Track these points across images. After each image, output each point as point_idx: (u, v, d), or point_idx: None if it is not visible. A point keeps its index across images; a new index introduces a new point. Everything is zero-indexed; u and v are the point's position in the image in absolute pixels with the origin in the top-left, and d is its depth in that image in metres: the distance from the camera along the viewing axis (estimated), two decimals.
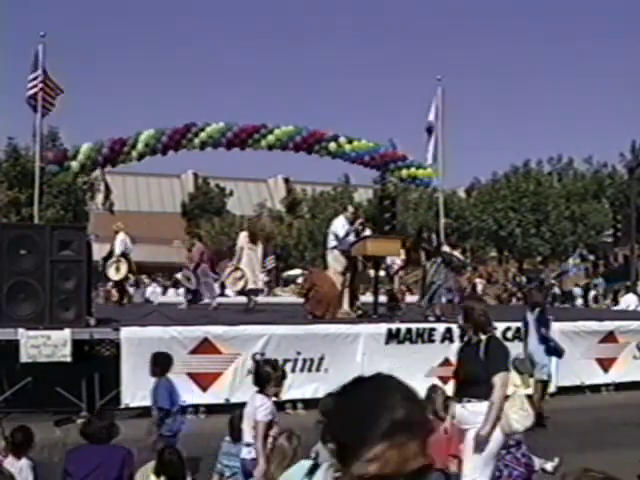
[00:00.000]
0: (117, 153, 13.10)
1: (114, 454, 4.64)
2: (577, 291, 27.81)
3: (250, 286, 12.79)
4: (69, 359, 8.38)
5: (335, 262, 11.73)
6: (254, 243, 13.04)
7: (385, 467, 1.21)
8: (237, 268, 12.74)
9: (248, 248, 12.83)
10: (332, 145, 14.03)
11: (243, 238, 13.05)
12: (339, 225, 11.77)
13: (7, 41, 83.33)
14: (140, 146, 13.11)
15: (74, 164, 12.93)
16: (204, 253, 14.00)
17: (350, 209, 12.54)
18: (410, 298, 16.69)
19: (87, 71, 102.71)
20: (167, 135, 13.30)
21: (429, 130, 15.19)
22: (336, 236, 11.61)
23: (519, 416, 4.78)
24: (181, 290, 26.26)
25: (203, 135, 13.47)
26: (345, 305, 11.69)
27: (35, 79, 12.51)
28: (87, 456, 4.70)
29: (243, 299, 13.59)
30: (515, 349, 10.60)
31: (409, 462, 1.22)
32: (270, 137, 13.78)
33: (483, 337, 4.89)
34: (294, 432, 4.58)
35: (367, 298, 13.43)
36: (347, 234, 11.52)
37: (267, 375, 5.18)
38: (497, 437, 4.77)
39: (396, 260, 13.97)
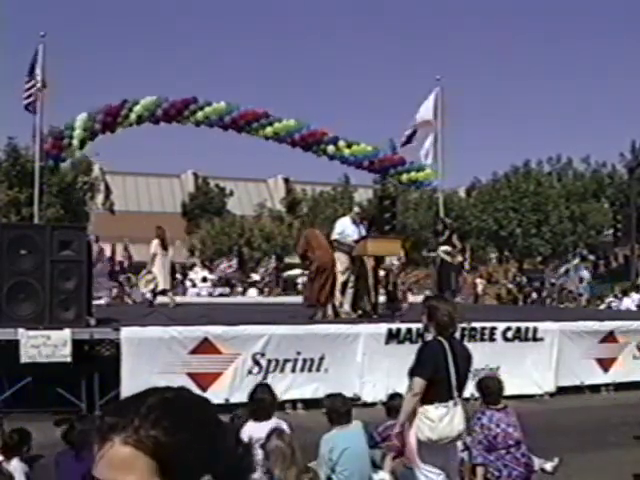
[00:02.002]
0: (109, 125, 12.90)
1: None
2: (586, 275, 27.62)
3: (164, 287, 14.30)
4: (69, 359, 8.39)
5: (336, 262, 11.72)
6: (165, 249, 14.28)
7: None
8: (149, 272, 14.19)
9: (160, 254, 13.99)
10: (330, 147, 13.90)
11: (156, 245, 14.06)
12: (338, 225, 11.79)
13: (7, 41, 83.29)
14: (133, 117, 12.85)
15: (74, 141, 12.74)
16: (101, 253, 15.38)
17: (356, 209, 12.62)
18: (412, 298, 16.65)
19: (87, 71, 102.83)
20: (163, 108, 13.00)
21: (414, 132, 15.33)
22: (338, 235, 11.65)
23: (423, 425, 4.59)
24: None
25: (200, 115, 13.17)
26: (346, 305, 11.68)
27: (32, 84, 12.57)
28: (76, 465, 4.65)
29: (238, 299, 13.78)
30: (515, 349, 10.64)
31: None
32: (269, 129, 13.62)
33: (430, 337, 4.84)
34: (281, 429, 4.58)
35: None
36: (346, 234, 11.52)
37: (272, 401, 5.30)
38: (411, 442, 4.69)
39: (394, 261, 13.95)
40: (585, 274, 27.08)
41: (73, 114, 13.16)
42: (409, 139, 15.44)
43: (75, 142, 12.70)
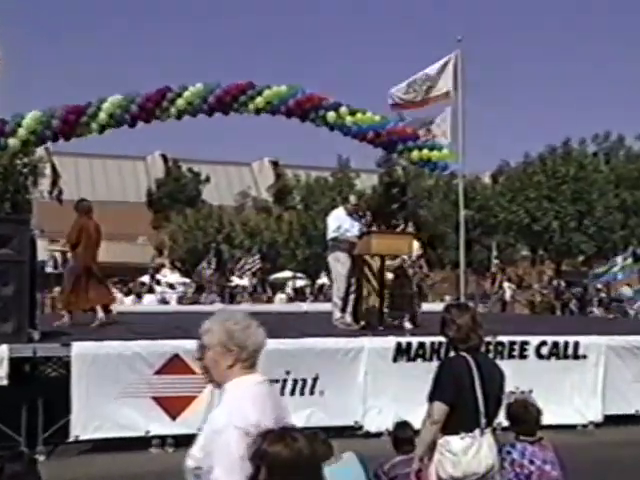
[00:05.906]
0: (72, 124, 12.91)
1: None
2: (627, 292, 27.81)
3: None
4: (5, 382, 8.33)
5: (336, 263, 11.67)
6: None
7: None
8: None
9: None
10: (331, 114, 13.90)
11: None
12: (332, 220, 11.74)
13: None
14: (103, 116, 12.92)
15: (12, 141, 12.72)
16: None
17: (352, 199, 12.57)
18: (427, 306, 16.59)
19: (52, 48, 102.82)
20: (137, 104, 13.13)
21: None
22: (335, 232, 11.62)
23: (444, 459, 4.64)
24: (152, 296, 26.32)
25: (181, 102, 13.33)
26: (347, 316, 11.66)
27: None
28: None
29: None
30: (551, 369, 10.61)
31: None
32: (259, 99, 13.68)
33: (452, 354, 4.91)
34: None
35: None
36: (344, 229, 11.49)
37: None
38: (430, 476, 4.75)
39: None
40: (625, 292, 27.38)
41: (37, 101, 13.22)
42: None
43: (22, 131, 12.60)
